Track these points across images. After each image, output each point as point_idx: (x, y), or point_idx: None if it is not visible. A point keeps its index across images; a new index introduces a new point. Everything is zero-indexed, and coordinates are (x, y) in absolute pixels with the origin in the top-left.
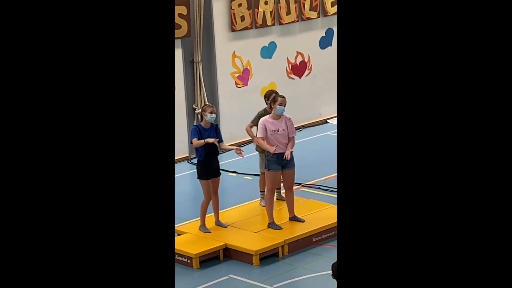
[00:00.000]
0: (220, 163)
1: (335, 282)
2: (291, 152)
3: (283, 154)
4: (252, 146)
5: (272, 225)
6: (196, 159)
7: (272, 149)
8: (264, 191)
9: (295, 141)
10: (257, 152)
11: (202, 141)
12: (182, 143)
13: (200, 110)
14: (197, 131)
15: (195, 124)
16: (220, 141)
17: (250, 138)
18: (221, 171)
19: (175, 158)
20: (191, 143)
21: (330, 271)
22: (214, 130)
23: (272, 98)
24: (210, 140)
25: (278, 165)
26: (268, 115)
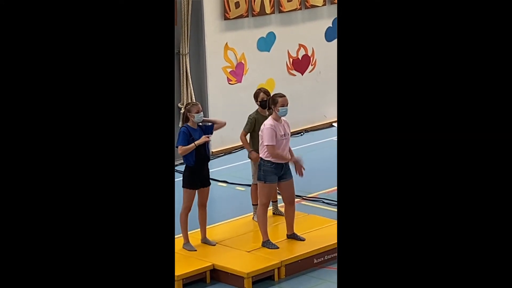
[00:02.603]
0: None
1: None
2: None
3: (282, 164)
4: (245, 152)
5: (267, 243)
6: (184, 165)
7: (293, 160)
8: (257, 205)
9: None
10: (250, 160)
11: (191, 145)
12: None
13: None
14: (187, 134)
15: (183, 125)
16: (210, 132)
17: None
18: (210, 181)
19: None
20: (176, 147)
21: None
22: (202, 129)
23: (261, 101)
24: (202, 140)
25: (276, 176)
26: (270, 118)
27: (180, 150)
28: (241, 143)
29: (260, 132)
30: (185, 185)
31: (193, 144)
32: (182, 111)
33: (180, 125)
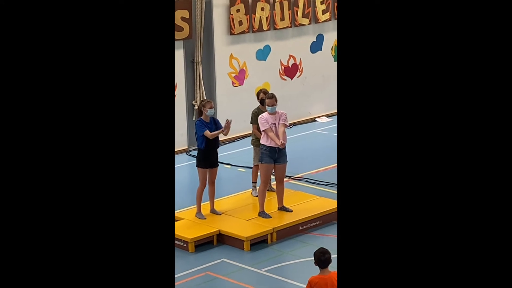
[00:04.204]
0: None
1: (317, 268)
2: (284, 148)
3: (275, 148)
4: (246, 140)
5: (262, 214)
6: (196, 150)
7: (279, 142)
8: (255, 182)
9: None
10: (252, 146)
11: (217, 132)
12: (181, 136)
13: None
14: (203, 125)
15: (197, 119)
16: (221, 127)
17: (244, 133)
18: (218, 163)
19: (175, 150)
20: (201, 136)
21: (312, 258)
22: (214, 122)
23: (260, 99)
24: (224, 131)
25: (270, 159)
26: (265, 112)
27: (208, 134)
28: (242, 134)
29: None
30: (198, 164)
31: (220, 130)
32: (196, 107)
33: (194, 119)
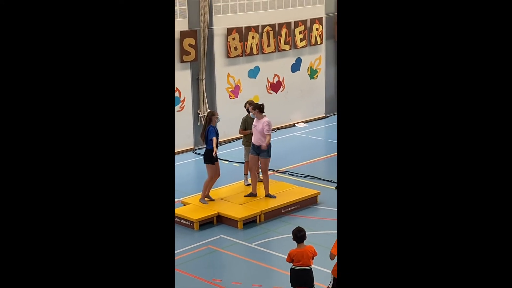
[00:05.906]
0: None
1: (295, 243)
2: (266, 146)
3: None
4: (240, 141)
5: (251, 194)
6: (204, 149)
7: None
8: (246, 174)
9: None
10: (243, 146)
11: (215, 147)
12: (188, 138)
13: (203, 114)
14: (214, 130)
15: (209, 125)
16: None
17: (238, 136)
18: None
19: (183, 149)
20: (211, 139)
21: (291, 235)
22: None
23: (247, 109)
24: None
25: (254, 151)
26: (265, 118)
27: (214, 141)
28: (237, 136)
29: (264, 127)
30: (207, 161)
31: (215, 153)
32: (201, 115)
33: (198, 124)
